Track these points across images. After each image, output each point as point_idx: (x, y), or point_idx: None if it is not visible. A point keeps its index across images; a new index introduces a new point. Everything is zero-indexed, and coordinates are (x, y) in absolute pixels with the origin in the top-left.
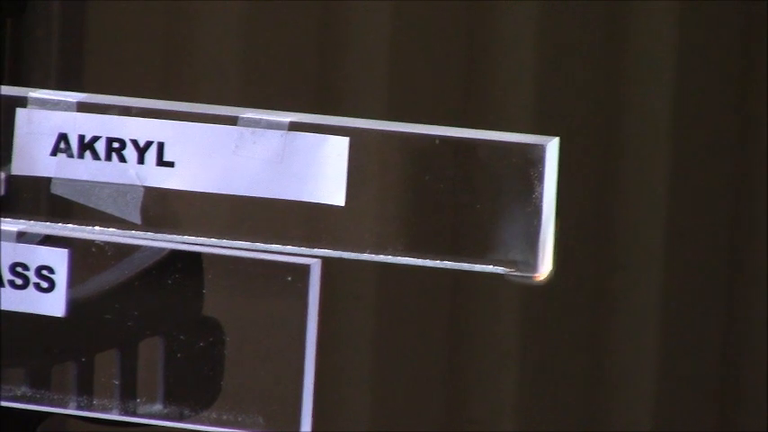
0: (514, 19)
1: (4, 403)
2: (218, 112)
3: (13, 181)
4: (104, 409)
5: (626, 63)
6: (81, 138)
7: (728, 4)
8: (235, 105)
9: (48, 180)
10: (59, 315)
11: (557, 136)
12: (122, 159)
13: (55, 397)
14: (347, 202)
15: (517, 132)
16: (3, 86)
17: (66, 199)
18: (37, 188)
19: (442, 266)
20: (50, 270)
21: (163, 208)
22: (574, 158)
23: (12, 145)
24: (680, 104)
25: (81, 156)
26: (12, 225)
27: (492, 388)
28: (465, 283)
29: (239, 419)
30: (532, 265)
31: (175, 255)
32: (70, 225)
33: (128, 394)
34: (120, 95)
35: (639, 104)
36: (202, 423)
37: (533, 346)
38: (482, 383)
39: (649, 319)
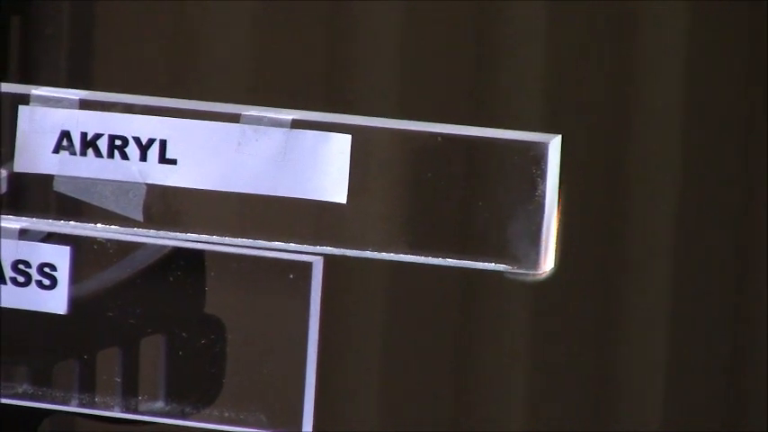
0: (522, 17)
1: (6, 401)
2: (220, 110)
3: (15, 178)
4: (106, 407)
5: (634, 61)
6: (83, 135)
7: (738, 3)
8: (242, 104)
9: (50, 177)
10: (61, 312)
11: (561, 134)
12: (125, 157)
13: (56, 394)
14: (349, 199)
15: (525, 131)
16: (5, 84)
17: (69, 196)
18: (39, 186)
19: (444, 264)
20: (52, 267)
21: (165, 205)
22: (582, 157)
23: (14, 142)
24: (689, 103)
25: (83, 153)
26: (14, 222)
27: (501, 387)
28: (474, 282)
29: (241, 417)
30: (534, 262)
31: (177, 252)
32: (72, 222)
33: (129, 392)
34: (123, 93)
35: (648, 103)
36: (204, 420)
37: (542, 346)
38: (491, 383)
39: (658, 318)
